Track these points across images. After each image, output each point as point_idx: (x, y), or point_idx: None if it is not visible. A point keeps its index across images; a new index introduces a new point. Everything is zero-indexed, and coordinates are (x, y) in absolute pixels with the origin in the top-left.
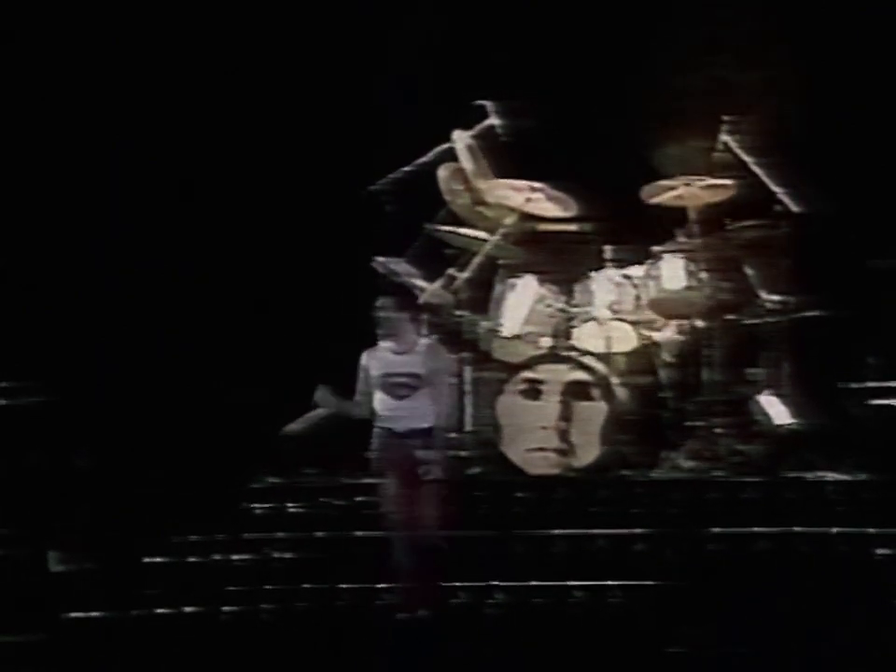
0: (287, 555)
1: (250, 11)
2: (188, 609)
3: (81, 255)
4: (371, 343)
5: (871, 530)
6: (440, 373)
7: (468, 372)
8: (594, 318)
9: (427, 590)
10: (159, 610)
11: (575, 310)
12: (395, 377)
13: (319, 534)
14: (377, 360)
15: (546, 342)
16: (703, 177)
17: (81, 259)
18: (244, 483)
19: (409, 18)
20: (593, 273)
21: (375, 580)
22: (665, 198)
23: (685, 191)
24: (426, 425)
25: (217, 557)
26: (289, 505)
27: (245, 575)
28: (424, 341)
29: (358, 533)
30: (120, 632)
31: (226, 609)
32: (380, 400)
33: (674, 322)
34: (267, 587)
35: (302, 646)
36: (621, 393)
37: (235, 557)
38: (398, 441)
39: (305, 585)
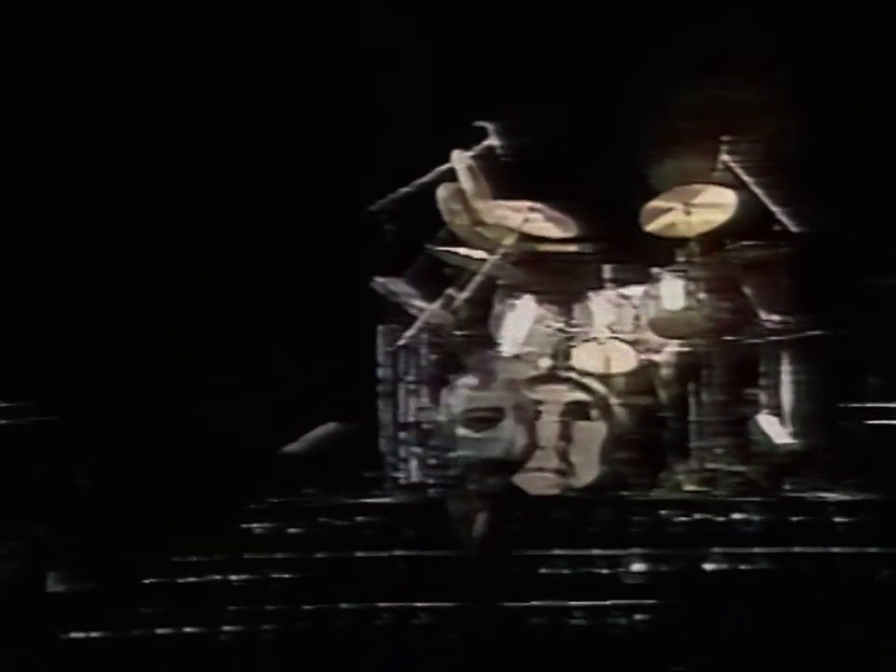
0: (287, 575)
1: (250, 24)
2: (187, 630)
3: (75, 276)
4: (371, 362)
5: (872, 550)
6: (520, 408)
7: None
8: (593, 338)
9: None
10: (158, 631)
11: (574, 330)
12: (477, 412)
13: (319, 554)
14: (458, 398)
15: (545, 362)
16: (702, 193)
17: (76, 280)
18: (243, 503)
19: (409, 37)
20: (592, 294)
21: (376, 600)
22: (661, 225)
23: (683, 217)
24: (502, 455)
25: (217, 577)
26: (289, 525)
27: (245, 595)
28: (501, 377)
29: (359, 553)
30: (120, 652)
31: (226, 629)
32: (462, 435)
33: (673, 342)
34: (267, 607)
35: (302, 666)
36: (620, 413)
37: (234, 577)
38: (476, 470)
39: (305, 606)
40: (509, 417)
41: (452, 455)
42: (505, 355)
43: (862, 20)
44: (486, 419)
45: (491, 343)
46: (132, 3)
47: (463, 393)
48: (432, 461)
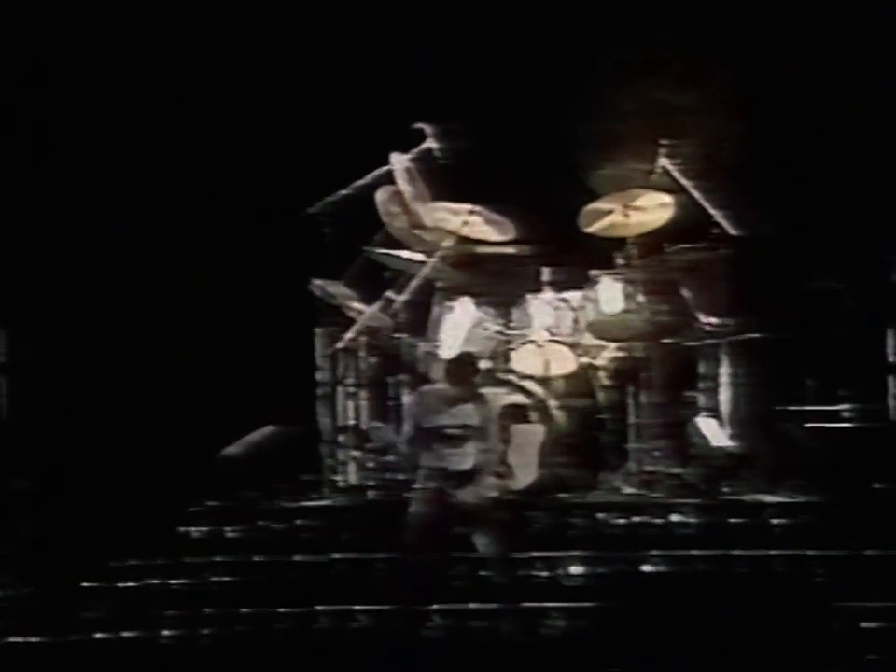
0: (226, 579)
1: (185, 33)
2: (126, 634)
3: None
4: (310, 365)
5: (809, 552)
6: (490, 422)
7: (406, 395)
8: (532, 341)
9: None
10: (97, 635)
11: (513, 333)
12: (447, 429)
13: (257, 557)
14: (426, 411)
15: (484, 364)
16: (641, 196)
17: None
18: (182, 507)
19: (346, 40)
20: (530, 296)
21: (314, 603)
22: (601, 226)
23: (622, 217)
24: (469, 466)
25: (156, 581)
26: (227, 528)
27: (184, 599)
28: (474, 389)
29: (297, 557)
30: (59, 657)
31: (164, 633)
32: (430, 448)
33: (612, 345)
34: (205, 611)
35: (241, 670)
36: (559, 416)
37: (173, 581)
38: (445, 482)
39: (244, 609)
40: (478, 432)
41: (418, 464)
42: (443, 356)
43: (800, 25)
44: (458, 437)
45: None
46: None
47: (433, 407)
48: (373, 464)
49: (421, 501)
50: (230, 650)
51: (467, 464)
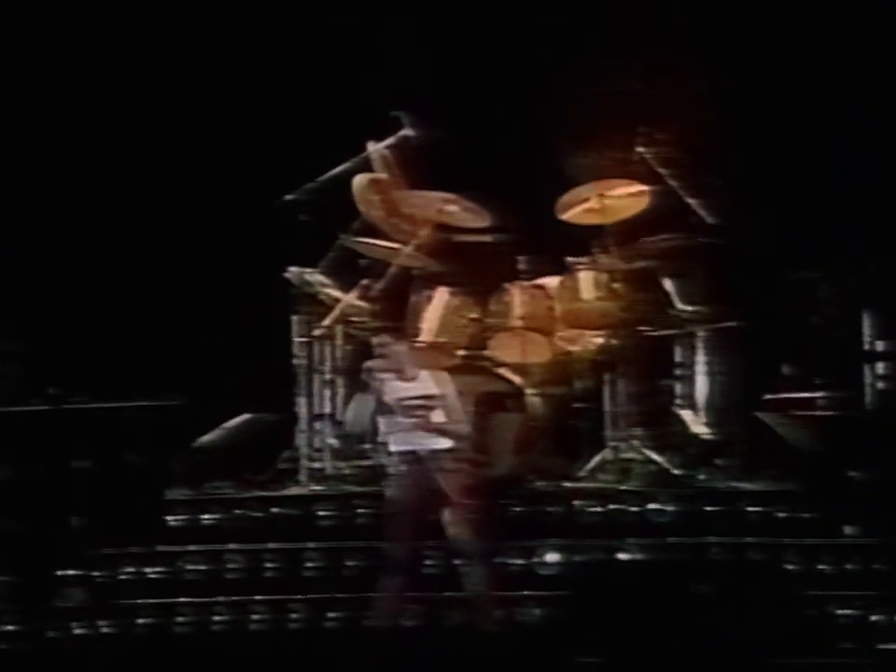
0: (202, 567)
1: (157, 23)
2: (102, 623)
3: None
4: (286, 353)
5: (785, 540)
6: (450, 394)
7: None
8: (508, 329)
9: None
10: (73, 624)
11: (490, 320)
12: (409, 400)
13: (233, 546)
14: (388, 387)
15: (460, 352)
16: (618, 185)
17: None
18: (157, 496)
19: (322, 28)
20: (507, 284)
21: (290, 592)
22: (578, 212)
23: (598, 205)
24: (441, 445)
25: (131, 570)
26: (204, 517)
27: (159, 588)
28: (423, 371)
29: (272, 545)
30: (34, 646)
31: (140, 622)
32: (395, 423)
33: (589, 333)
34: (181, 599)
35: (217, 659)
36: (535, 404)
37: (149, 570)
38: (416, 462)
39: (219, 598)
40: (439, 406)
41: (387, 442)
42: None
43: (775, 14)
44: (420, 406)
45: (402, 335)
46: None
47: (392, 384)
48: (349, 452)
49: (395, 487)
50: (204, 639)
51: (434, 441)
